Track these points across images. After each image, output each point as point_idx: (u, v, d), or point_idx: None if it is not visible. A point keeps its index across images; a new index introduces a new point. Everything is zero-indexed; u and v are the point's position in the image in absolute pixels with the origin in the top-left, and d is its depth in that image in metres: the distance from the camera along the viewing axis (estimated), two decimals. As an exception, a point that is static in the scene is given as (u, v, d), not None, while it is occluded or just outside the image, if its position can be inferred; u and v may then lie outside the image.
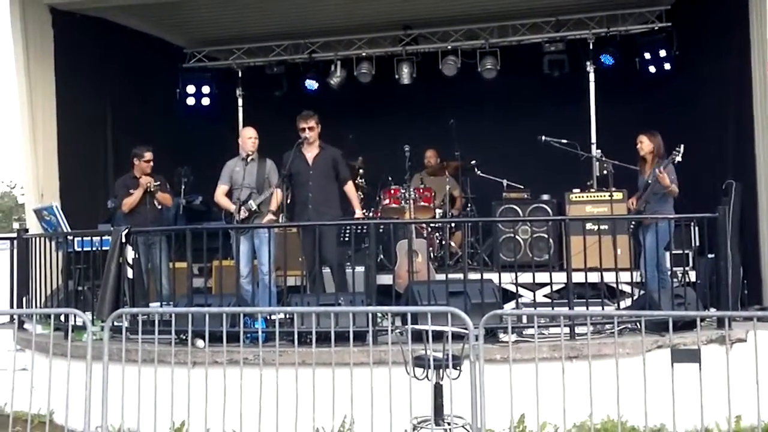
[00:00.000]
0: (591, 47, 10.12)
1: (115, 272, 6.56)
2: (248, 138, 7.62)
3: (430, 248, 8.68)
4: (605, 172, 8.21)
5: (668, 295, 6.36)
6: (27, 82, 8.73)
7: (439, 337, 4.64)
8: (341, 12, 10.05)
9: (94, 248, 6.89)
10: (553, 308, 6.73)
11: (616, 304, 7.07)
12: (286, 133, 7.70)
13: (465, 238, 8.23)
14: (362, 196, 8.94)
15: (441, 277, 6.91)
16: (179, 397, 4.96)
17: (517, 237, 8.25)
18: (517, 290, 6.82)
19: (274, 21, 10.41)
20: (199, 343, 5.83)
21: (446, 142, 9.25)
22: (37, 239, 7.52)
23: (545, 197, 8.84)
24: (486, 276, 6.46)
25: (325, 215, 7.26)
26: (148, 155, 7.95)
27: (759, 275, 7.52)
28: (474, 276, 6.49)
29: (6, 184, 29.86)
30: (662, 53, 9.85)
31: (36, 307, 7.35)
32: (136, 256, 6.95)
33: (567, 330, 5.99)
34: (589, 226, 7.09)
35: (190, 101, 11.20)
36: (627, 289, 7.50)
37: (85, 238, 7.03)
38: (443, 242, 8.88)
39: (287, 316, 6.12)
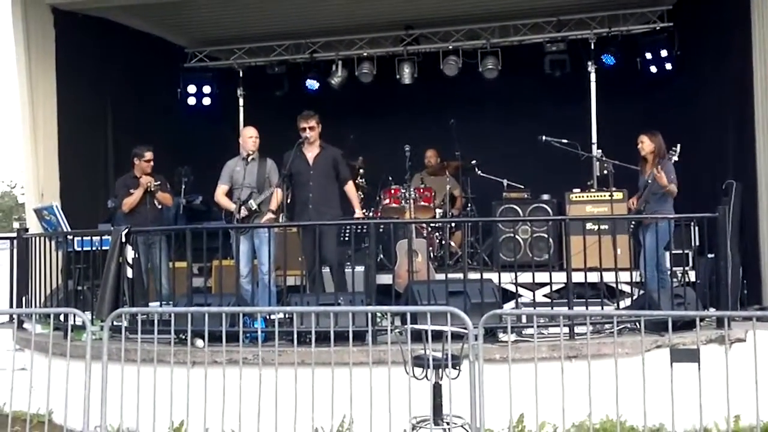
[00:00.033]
0: (592, 47, 10.12)
1: (114, 272, 6.56)
2: (249, 137, 7.62)
3: (430, 248, 8.68)
4: (605, 172, 8.21)
5: (668, 295, 6.35)
6: (28, 81, 8.74)
7: (438, 336, 4.64)
8: (342, 12, 10.06)
9: (93, 248, 6.89)
10: (552, 308, 6.73)
11: (615, 304, 7.06)
12: (286, 133, 7.70)
13: (465, 237, 8.24)
14: (362, 196, 8.94)
15: (441, 276, 6.91)
16: (178, 397, 4.96)
17: (517, 237, 8.25)
18: (516, 290, 6.82)
19: (275, 21, 10.41)
20: (199, 342, 5.83)
21: (447, 141, 9.25)
22: (37, 239, 7.52)
23: (545, 197, 8.84)
24: (486, 276, 6.46)
25: (325, 215, 7.26)
26: (149, 155, 7.95)
27: (759, 275, 7.52)
28: (474, 276, 6.48)
29: (6, 183, 29.91)
30: (663, 53, 9.85)
31: (35, 306, 7.35)
32: (136, 255, 6.95)
33: (566, 330, 5.99)
34: (589, 226, 7.09)
35: (191, 101, 11.22)
36: (626, 289, 7.49)
37: (85, 238, 7.03)
38: (443, 242, 8.88)
39: (287, 315, 6.11)
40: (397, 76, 10.69)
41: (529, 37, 10.30)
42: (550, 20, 10.17)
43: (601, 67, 10.13)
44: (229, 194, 7.63)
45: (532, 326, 5.67)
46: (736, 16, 8.02)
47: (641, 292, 7.09)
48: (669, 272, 7.15)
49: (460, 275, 6.53)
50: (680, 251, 7.34)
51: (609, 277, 6.73)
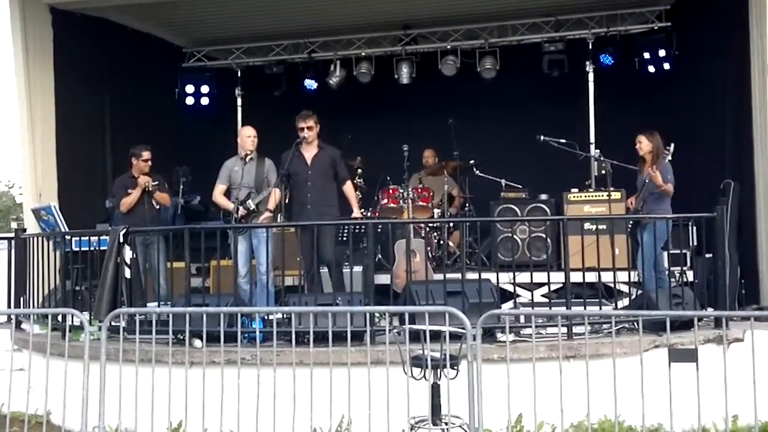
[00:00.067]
0: (590, 47, 10.11)
1: (112, 272, 6.55)
2: (247, 137, 7.62)
3: (428, 248, 8.68)
4: (603, 171, 8.23)
5: (666, 294, 6.36)
6: (26, 81, 8.74)
7: (436, 336, 4.64)
8: (341, 12, 10.06)
9: (91, 248, 6.88)
10: (550, 308, 6.72)
11: (613, 304, 7.07)
12: (285, 133, 7.70)
13: (463, 237, 8.24)
14: (361, 196, 8.94)
15: (439, 276, 6.91)
16: (177, 397, 4.96)
17: (515, 237, 8.24)
18: (514, 290, 6.82)
19: (273, 21, 10.41)
20: (197, 343, 5.82)
21: (445, 141, 9.25)
22: (35, 239, 7.51)
23: (543, 197, 8.84)
24: (484, 276, 6.46)
25: (323, 215, 7.26)
26: (146, 154, 7.94)
27: (756, 275, 7.53)
28: (472, 276, 6.48)
29: (4, 183, 29.78)
30: (662, 53, 9.86)
31: (33, 306, 7.34)
32: (134, 255, 6.94)
33: (564, 330, 5.99)
34: (587, 225, 7.10)
35: (189, 101, 11.22)
36: (625, 288, 7.50)
37: (82, 238, 7.03)
38: (441, 242, 8.88)
39: (285, 316, 6.11)
40: (396, 76, 10.69)
41: (528, 37, 10.30)
42: (548, 20, 10.17)
43: (599, 67, 10.12)
44: (228, 194, 7.63)
45: (531, 326, 5.67)
46: (733, 16, 8.03)
47: (639, 292, 7.09)
48: (667, 272, 7.15)
49: (459, 275, 6.52)
50: (678, 251, 7.34)
51: (607, 277, 6.75)
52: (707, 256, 6.69)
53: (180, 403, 4.96)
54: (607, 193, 8.10)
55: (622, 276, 6.87)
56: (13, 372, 5.43)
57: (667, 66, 9.84)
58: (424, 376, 4.70)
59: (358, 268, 7.10)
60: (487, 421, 4.74)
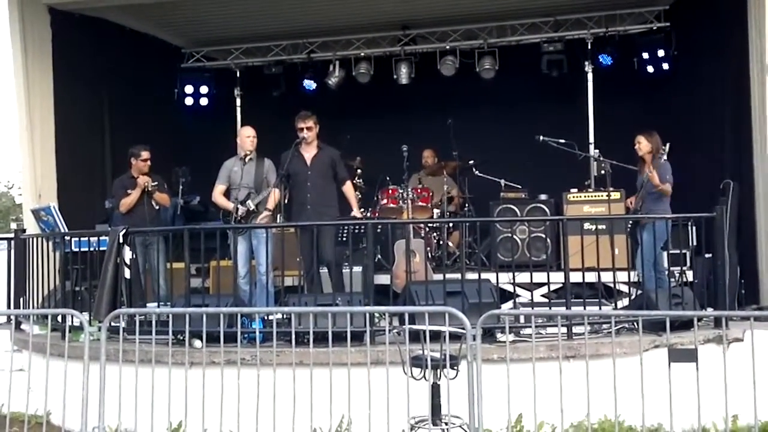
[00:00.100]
0: (589, 47, 10.11)
1: (112, 272, 6.55)
2: (247, 137, 7.62)
3: (428, 248, 8.68)
4: (603, 171, 8.23)
5: (665, 294, 6.36)
6: (25, 82, 8.73)
7: (436, 337, 4.64)
8: (342, 12, 10.06)
9: (91, 248, 6.88)
10: (550, 308, 6.72)
11: (613, 304, 7.07)
12: (284, 133, 7.70)
13: (463, 238, 8.24)
14: (360, 196, 8.94)
15: (438, 277, 6.91)
16: (176, 398, 4.96)
17: (514, 237, 8.24)
18: (514, 290, 6.82)
19: (272, 21, 10.40)
20: (197, 343, 5.82)
21: (444, 141, 9.24)
22: (35, 239, 7.51)
23: (543, 197, 8.84)
24: (483, 276, 6.46)
25: (323, 215, 7.26)
26: (145, 154, 7.94)
27: (756, 275, 7.54)
28: (471, 276, 6.49)
29: (3, 184, 29.78)
30: (660, 53, 9.87)
31: (33, 307, 7.33)
32: (134, 256, 6.94)
33: (564, 330, 6.00)
34: (586, 225, 7.11)
35: (189, 101, 11.22)
36: (624, 288, 7.50)
37: (82, 239, 7.03)
38: (441, 242, 8.88)
39: (285, 316, 6.11)
40: (395, 76, 10.70)
41: (526, 37, 10.30)
42: (547, 20, 10.17)
43: (598, 67, 10.12)
44: (227, 194, 7.62)
45: (530, 326, 5.67)
46: (732, 16, 8.03)
47: (639, 292, 7.10)
48: (667, 272, 7.15)
49: (458, 275, 6.53)
50: (678, 251, 7.35)
51: (607, 277, 6.75)
52: (707, 256, 6.69)
53: (180, 403, 4.95)
54: (606, 193, 8.10)
55: (622, 276, 6.87)
56: (12, 372, 5.43)
57: (666, 66, 9.85)
58: (424, 377, 4.70)
59: (357, 269, 7.09)
60: (487, 421, 4.74)
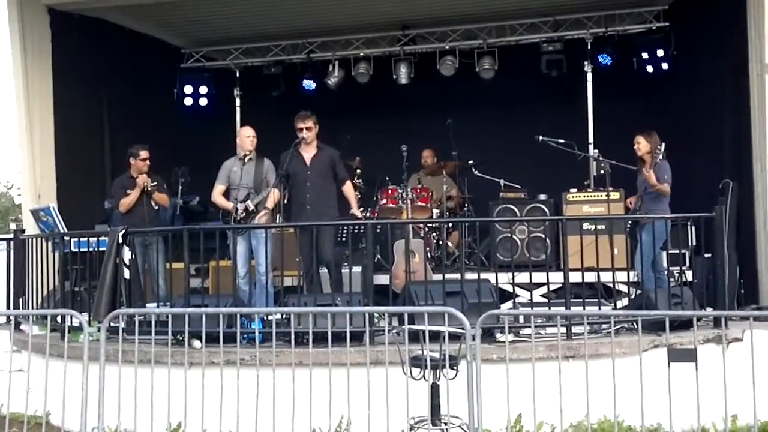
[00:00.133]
0: (589, 47, 10.12)
1: (111, 273, 6.55)
2: (246, 137, 7.62)
3: (427, 248, 8.68)
4: (602, 171, 8.23)
5: (665, 294, 6.36)
6: (24, 82, 8.73)
7: (435, 337, 4.63)
8: (342, 12, 10.06)
9: (90, 249, 6.88)
10: (549, 308, 6.73)
11: (612, 304, 7.07)
12: (283, 134, 7.70)
13: (462, 238, 8.24)
14: (359, 196, 8.94)
15: (438, 277, 6.90)
16: (176, 398, 4.96)
17: (514, 237, 8.25)
18: (514, 290, 6.83)
19: (272, 21, 10.40)
20: (196, 343, 5.82)
21: (444, 141, 9.25)
22: (34, 240, 7.50)
23: (542, 197, 8.84)
24: (483, 276, 6.46)
25: (322, 215, 7.26)
26: (144, 154, 7.93)
27: (755, 275, 7.54)
28: (471, 276, 6.49)
29: (3, 184, 29.78)
30: (660, 53, 9.87)
31: (32, 308, 7.33)
32: (133, 256, 6.95)
33: (564, 330, 6.00)
34: (586, 225, 7.11)
35: (188, 101, 11.21)
36: (624, 288, 7.50)
37: (81, 239, 7.03)
38: (440, 242, 8.88)
39: (284, 316, 6.11)
40: (394, 76, 10.70)
41: (526, 37, 10.30)
42: (546, 20, 10.17)
43: (597, 67, 10.12)
44: (227, 194, 7.62)
45: (530, 326, 5.66)
46: (731, 16, 8.03)
47: (638, 291, 7.10)
48: (666, 272, 7.15)
49: (458, 275, 6.53)
50: (677, 251, 7.35)
51: (606, 277, 6.75)
52: (706, 255, 6.69)
53: (179, 403, 4.95)
54: (605, 193, 8.11)
55: (621, 276, 6.87)
56: (12, 373, 5.44)
57: (665, 66, 9.85)
58: (424, 377, 4.70)
59: (357, 269, 7.10)
60: (487, 421, 4.74)
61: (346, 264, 7.17)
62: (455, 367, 4.71)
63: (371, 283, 6.43)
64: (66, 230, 7.58)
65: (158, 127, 10.05)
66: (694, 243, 7.25)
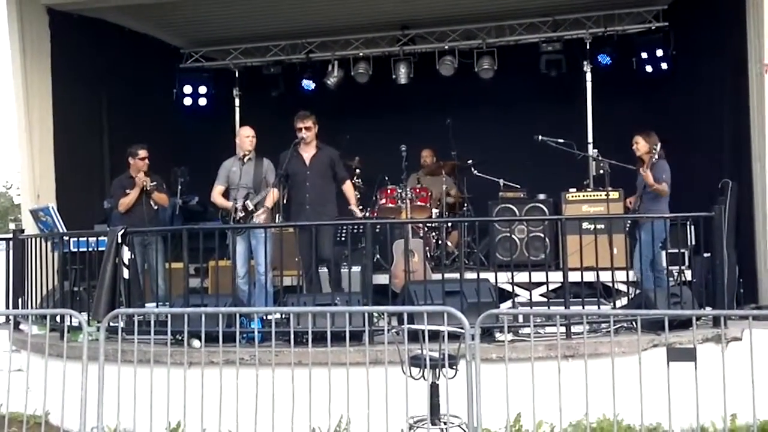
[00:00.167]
0: (588, 47, 10.12)
1: (111, 273, 6.55)
2: (246, 137, 7.62)
3: (427, 248, 8.68)
4: (602, 171, 8.23)
5: (664, 294, 6.36)
6: (23, 82, 8.72)
7: (435, 336, 4.63)
8: (342, 12, 10.06)
9: (90, 249, 6.88)
10: (549, 307, 6.73)
11: (612, 304, 7.07)
12: (283, 133, 7.70)
13: (461, 237, 8.24)
14: (359, 196, 8.94)
15: (437, 276, 6.91)
16: (175, 398, 4.96)
17: (513, 236, 8.25)
18: (513, 289, 6.83)
19: (271, 21, 10.40)
20: (195, 343, 5.82)
21: (443, 141, 9.25)
22: (33, 240, 7.50)
23: (542, 196, 8.84)
24: (482, 275, 6.46)
25: (322, 215, 7.27)
26: (143, 153, 7.93)
27: (755, 274, 7.53)
28: (470, 275, 6.49)
29: (2, 184, 29.80)
30: (659, 53, 9.87)
31: (32, 307, 7.33)
32: (132, 256, 6.95)
33: (563, 329, 5.99)
34: (585, 225, 7.12)
35: (187, 101, 11.22)
36: (623, 288, 7.51)
37: (81, 239, 7.03)
38: (440, 242, 8.87)
39: (283, 316, 6.11)
40: (393, 76, 10.70)
41: (525, 37, 10.30)
42: (545, 20, 10.18)
43: (596, 67, 10.13)
44: (226, 194, 7.62)
45: (529, 326, 5.67)
46: (731, 15, 8.03)
47: (638, 291, 7.10)
48: (665, 271, 7.15)
49: (457, 275, 6.53)
50: (676, 250, 7.35)
51: (605, 277, 6.75)
52: (705, 255, 6.70)
53: (179, 403, 4.95)
54: (605, 193, 8.11)
55: (621, 275, 6.87)
56: (11, 372, 5.43)
57: (664, 66, 9.85)
58: (423, 376, 4.70)
59: (356, 268, 7.10)
60: (486, 420, 4.75)
61: (345, 264, 7.16)
62: (454, 367, 4.71)
63: (370, 282, 6.43)
64: (65, 230, 7.57)
65: (157, 127, 10.05)
66: (694, 242, 7.26)
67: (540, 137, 8.66)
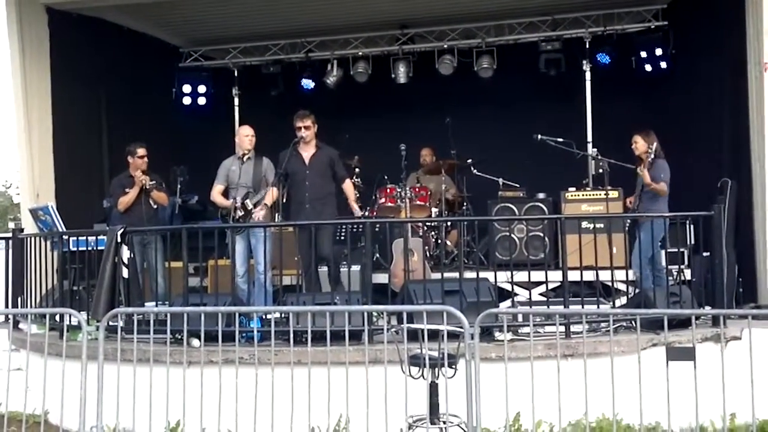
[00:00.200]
0: (587, 46, 10.13)
1: (110, 272, 6.54)
2: (245, 136, 7.62)
3: (426, 247, 8.68)
4: (601, 170, 8.23)
5: (663, 293, 6.36)
6: (22, 82, 8.72)
7: (434, 335, 4.63)
8: (340, 11, 10.05)
9: (89, 248, 6.88)
10: (548, 307, 6.73)
11: (611, 303, 7.07)
12: (282, 133, 7.70)
13: (461, 236, 8.24)
14: (358, 195, 8.94)
15: (437, 275, 6.91)
16: (175, 397, 4.95)
17: (512, 235, 8.26)
18: (512, 289, 6.83)
19: (270, 20, 10.40)
20: (195, 342, 5.82)
21: (442, 140, 9.26)
22: (33, 239, 7.50)
23: (541, 196, 8.85)
24: (482, 275, 6.47)
25: (321, 214, 7.27)
26: (141, 151, 7.92)
27: (754, 273, 7.53)
28: (470, 275, 6.49)
29: (1, 183, 29.79)
30: (658, 52, 9.87)
31: (31, 306, 7.34)
32: (132, 255, 6.95)
33: (562, 328, 5.99)
34: (584, 224, 7.11)
35: (186, 101, 11.21)
36: (622, 287, 7.51)
37: (80, 238, 7.03)
38: (439, 241, 8.87)
39: (283, 315, 6.11)
40: (393, 76, 10.70)
41: (524, 36, 10.31)
42: (545, 19, 10.18)
43: (596, 66, 10.13)
44: (226, 194, 7.62)
45: (528, 325, 5.68)
46: (730, 15, 8.03)
47: (637, 290, 7.11)
48: (665, 270, 7.16)
49: (456, 274, 6.53)
50: (676, 249, 7.35)
51: (605, 276, 6.75)
52: (705, 254, 6.70)
53: (178, 402, 4.95)
54: (604, 192, 8.11)
55: (620, 275, 6.87)
56: (10, 372, 5.43)
57: (663, 65, 9.85)
58: (422, 375, 4.70)
59: (356, 268, 7.11)
60: (485, 419, 4.75)
61: (344, 263, 7.16)
62: (454, 366, 4.70)
63: (370, 282, 6.44)
64: (64, 229, 7.57)
65: (157, 126, 10.05)
66: (693, 242, 7.26)
67: (539, 136, 8.67)
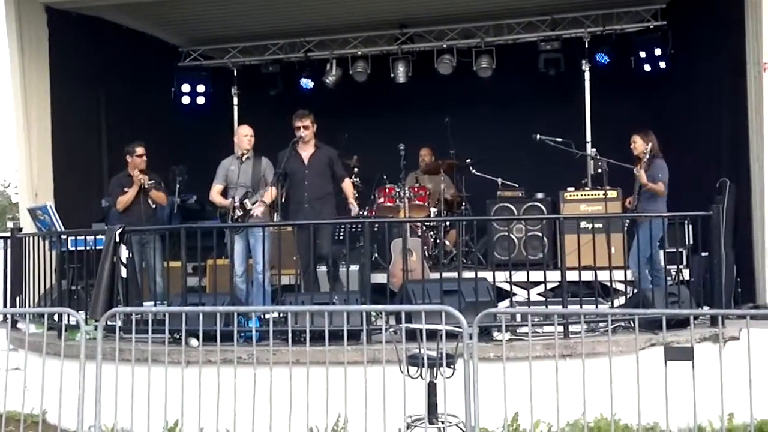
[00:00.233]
0: (586, 46, 10.14)
1: (109, 271, 6.55)
2: (244, 135, 7.62)
3: (425, 247, 8.67)
4: (600, 170, 8.23)
5: (662, 293, 6.37)
6: (21, 81, 8.72)
7: (433, 335, 4.63)
8: (339, 10, 10.05)
9: (87, 247, 6.88)
10: (546, 307, 6.73)
11: (609, 303, 7.07)
12: (281, 132, 7.70)
13: (459, 236, 8.24)
14: (357, 195, 8.93)
15: (435, 275, 6.91)
16: (173, 397, 4.95)
17: (511, 235, 8.25)
18: (511, 289, 6.84)
19: (269, 20, 10.40)
20: (193, 342, 5.81)
21: (441, 140, 9.27)
22: (31, 238, 7.50)
23: (540, 195, 8.85)
24: (480, 274, 6.47)
25: (320, 213, 7.27)
26: (140, 150, 7.92)
27: (752, 273, 7.54)
28: (468, 274, 6.49)
29: (0, 183, 29.76)
30: (657, 52, 9.88)
31: (29, 306, 7.33)
32: (130, 255, 6.94)
33: (561, 328, 6.00)
34: (583, 224, 7.10)
35: (185, 100, 11.21)
36: (621, 287, 7.51)
37: (78, 238, 7.03)
38: (438, 241, 8.87)
39: (281, 315, 6.11)
40: (392, 75, 10.70)
41: (523, 36, 10.31)
42: (544, 19, 10.18)
43: (595, 66, 10.14)
44: (224, 193, 7.62)
45: (527, 325, 5.68)
46: (729, 14, 8.03)
47: (635, 290, 7.11)
48: (663, 270, 7.16)
49: (455, 274, 6.53)
50: (674, 249, 7.35)
51: (603, 276, 6.75)
52: (703, 254, 6.70)
53: (176, 402, 4.94)
54: (603, 192, 8.11)
55: (618, 274, 6.87)
56: (8, 371, 5.42)
57: (662, 65, 9.86)
58: (421, 375, 4.70)
59: (354, 267, 7.10)
60: (484, 419, 4.75)
61: (343, 263, 7.16)
62: (452, 366, 4.70)
63: (368, 281, 6.44)
64: (63, 228, 7.56)
65: (156, 125, 10.05)
66: (691, 241, 7.27)
67: (538, 136, 8.66)
